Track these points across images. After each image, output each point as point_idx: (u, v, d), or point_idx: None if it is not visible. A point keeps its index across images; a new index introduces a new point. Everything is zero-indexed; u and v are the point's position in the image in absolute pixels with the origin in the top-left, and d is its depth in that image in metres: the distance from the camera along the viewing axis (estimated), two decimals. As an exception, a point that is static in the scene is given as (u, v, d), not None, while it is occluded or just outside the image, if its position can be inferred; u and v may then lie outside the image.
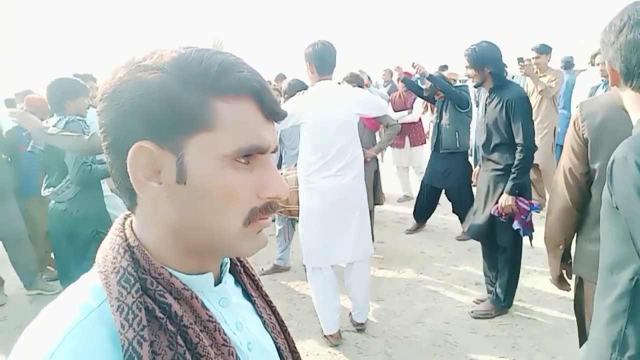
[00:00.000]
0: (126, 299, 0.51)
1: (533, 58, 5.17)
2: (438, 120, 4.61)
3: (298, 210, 3.78)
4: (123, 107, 0.52)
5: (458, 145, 4.49)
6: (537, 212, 3.01)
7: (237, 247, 0.57)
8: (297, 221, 4.11)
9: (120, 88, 0.52)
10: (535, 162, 5.17)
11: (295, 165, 3.94)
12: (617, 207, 1.02)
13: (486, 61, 2.86)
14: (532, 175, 5.34)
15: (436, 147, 4.62)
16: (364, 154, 4.28)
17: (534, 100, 5.17)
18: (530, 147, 2.83)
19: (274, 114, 0.57)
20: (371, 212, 4.51)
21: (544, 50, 5.07)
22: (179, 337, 0.52)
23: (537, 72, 5.14)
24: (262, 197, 0.56)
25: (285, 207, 3.80)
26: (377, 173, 4.56)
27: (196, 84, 0.51)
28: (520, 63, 5.01)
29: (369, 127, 4.59)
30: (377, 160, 4.58)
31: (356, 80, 4.23)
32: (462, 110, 4.51)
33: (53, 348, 0.47)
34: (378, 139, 4.96)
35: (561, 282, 1.97)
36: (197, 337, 0.54)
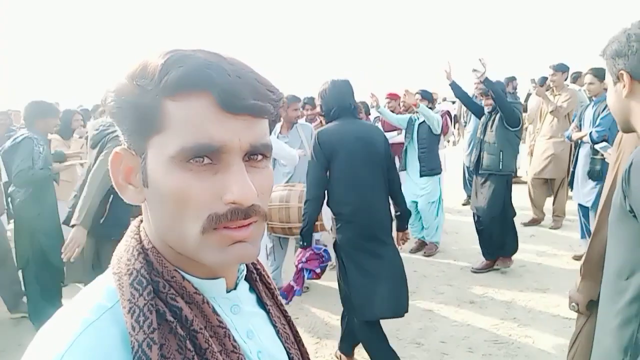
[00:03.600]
0: (138, 301, 0.51)
1: (550, 75, 5.27)
2: (482, 137, 4.17)
3: (281, 228, 3.75)
4: (110, 115, 0.56)
5: (501, 167, 4.03)
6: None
7: (200, 257, 0.53)
8: (286, 240, 4.07)
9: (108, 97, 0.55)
10: (547, 177, 5.29)
11: (287, 182, 3.93)
12: (631, 211, 1.02)
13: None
14: (534, 190, 5.48)
15: (476, 167, 4.22)
16: None
17: (549, 117, 5.26)
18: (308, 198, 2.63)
19: (232, 106, 0.50)
20: None
21: (561, 68, 5.16)
22: (188, 342, 0.52)
23: (552, 89, 5.23)
24: (224, 202, 0.51)
25: (268, 224, 3.74)
26: None
27: (148, 87, 0.51)
28: (533, 84, 5.08)
29: None
30: None
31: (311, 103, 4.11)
32: (511, 129, 4.03)
33: (65, 348, 0.47)
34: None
35: (588, 308, 1.71)
36: (206, 342, 0.53)
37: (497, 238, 4.20)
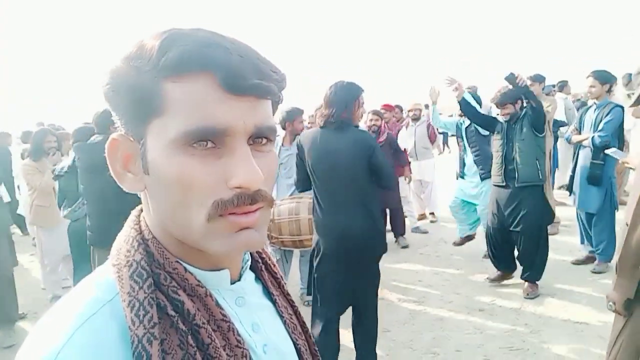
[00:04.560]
0: (138, 294, 0.48)
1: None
2: (506, 148, 3.79)
3: (292, 241, 3.67)
4: (105, 99, 0.53)
5: (540, 177, 3.69)
6: None
7: (204, 245, 0.51)
8: (290, 253, 3.99)
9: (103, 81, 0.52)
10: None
11: (291, 194, 3.85)
12: None
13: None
14: None
15: (507, 180, 3.81)
16: None
17: None
18: None
19: (236, 87, 0.47)
20: None
21: (537, 79, 5.28)
22: (190, 337, 0.50)
23: None
24: (229, 187, 0.49)
25: (278, 238, 3.67)
26: None
27: (145, 68, 0.48)
28: None
29: None
30: None
31: None
32: (539, 135, 3.71)
33: (62, 343, 0.45)
34: None
35: (625, 308, 1.70)
36: (209, 337, 0.51)
37: (530, 251, 3.84)
